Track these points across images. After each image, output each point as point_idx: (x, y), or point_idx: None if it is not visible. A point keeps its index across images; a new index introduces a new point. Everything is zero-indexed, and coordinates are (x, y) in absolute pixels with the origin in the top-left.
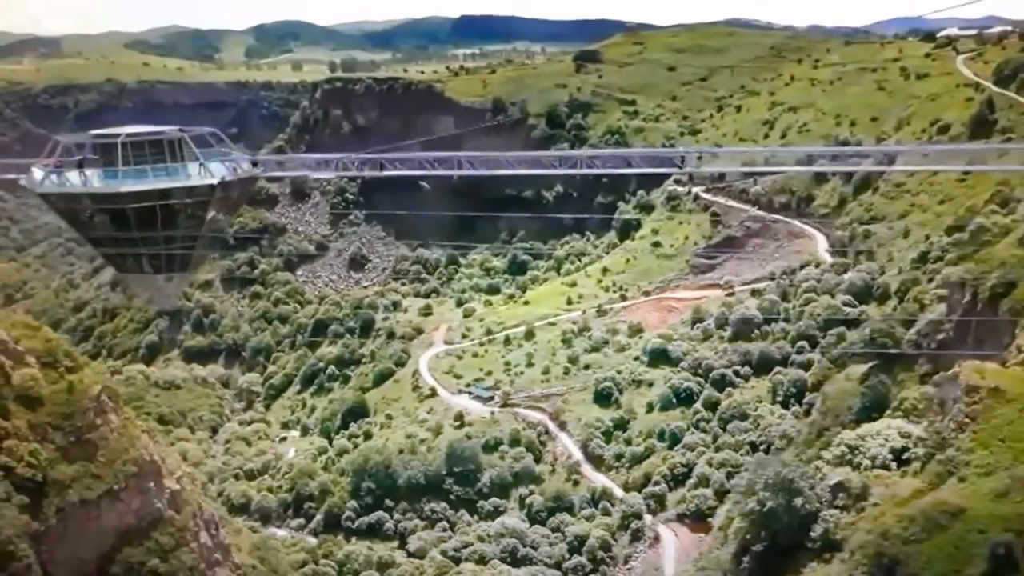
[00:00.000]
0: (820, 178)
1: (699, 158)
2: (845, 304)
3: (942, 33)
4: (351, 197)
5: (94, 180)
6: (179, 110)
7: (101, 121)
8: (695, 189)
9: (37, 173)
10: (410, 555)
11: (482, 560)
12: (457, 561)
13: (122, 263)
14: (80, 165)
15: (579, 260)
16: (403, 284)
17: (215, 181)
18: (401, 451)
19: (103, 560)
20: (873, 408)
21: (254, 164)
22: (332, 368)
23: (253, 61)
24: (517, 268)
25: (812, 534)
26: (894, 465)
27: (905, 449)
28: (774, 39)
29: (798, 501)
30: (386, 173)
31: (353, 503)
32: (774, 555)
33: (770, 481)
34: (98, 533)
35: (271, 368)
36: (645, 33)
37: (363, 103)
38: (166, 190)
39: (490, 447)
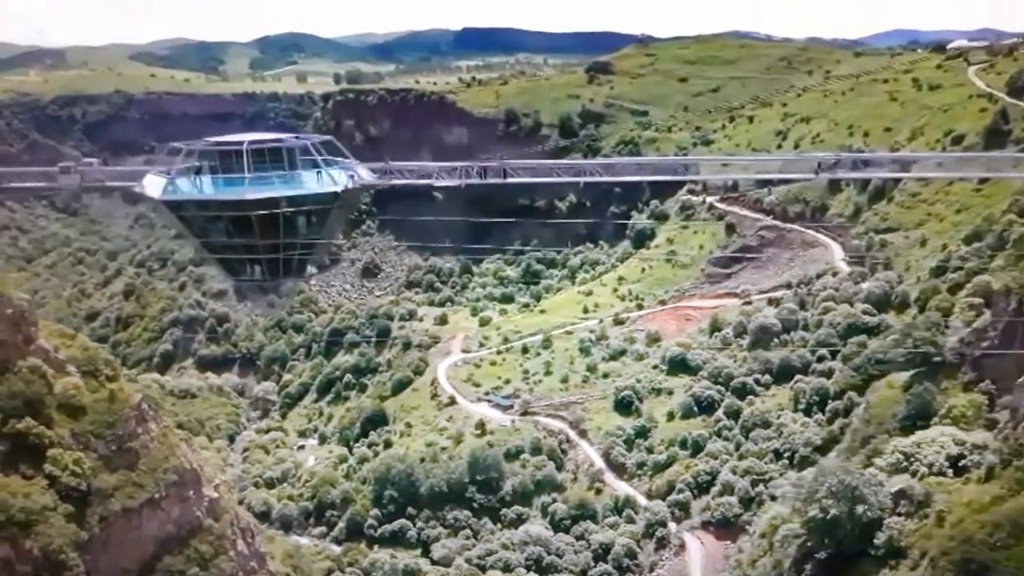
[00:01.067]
0: (834, 187)
1: (836, 163)
2: (864, 313)
3: (952, 45)
4: (364, 207)
5: (208, 186)
6: (187, 121)
7: (110, 133)
8: (709, 199)
9: (156, 180)
10: (434, 563)
11: (507, 568)
12: (483, 569)
13: (235, 269)
14: (197, 172)
15: (593, 269)
16: (417, 293)
17: (339, 189)
18: (423, 459)
19: (144, 569)
20: (918, 416)
21: (387, 172)
22: (349, 377)
23: (258, 73)
24: (531, 277)
25: (876, 541)
26: (950, 472)
27: (961, 456)
28: (784, 51)
29: (859, 508)
30: (511, 180)
31: (375, 511)
32: (837, 563)
33: (833, 489)
34: (139, 542)
35: (287, 377)
36: (656, 45)
37: (375, 114)
38: (290, 197)
39: (511, 455)
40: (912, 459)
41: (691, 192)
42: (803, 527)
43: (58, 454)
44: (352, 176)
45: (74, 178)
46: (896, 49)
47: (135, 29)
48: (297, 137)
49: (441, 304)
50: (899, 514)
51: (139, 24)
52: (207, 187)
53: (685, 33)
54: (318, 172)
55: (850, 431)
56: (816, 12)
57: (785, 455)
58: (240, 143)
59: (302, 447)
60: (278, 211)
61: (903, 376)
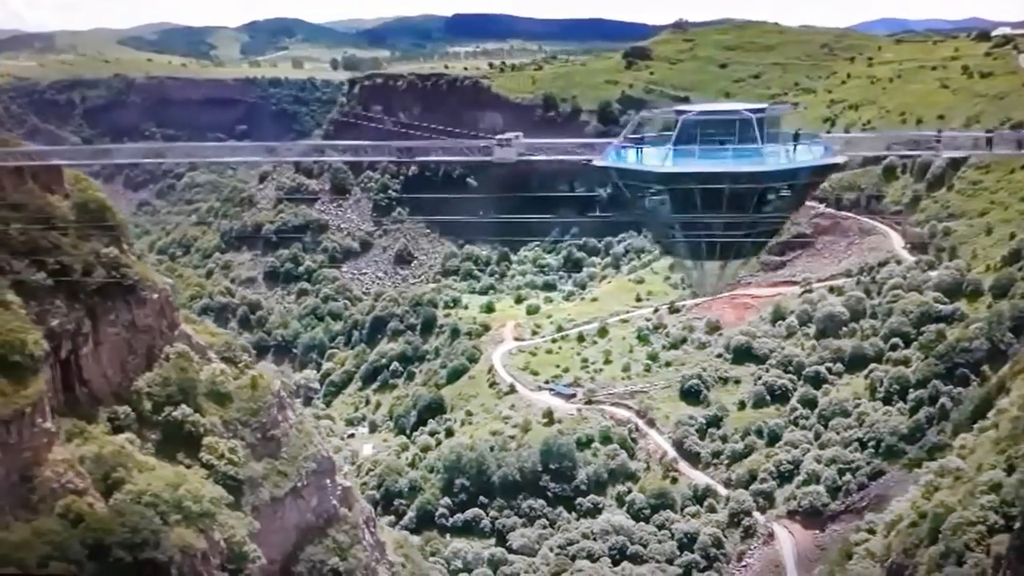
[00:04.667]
0: (889, 175)
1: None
2: (936, 301)
3: (996, 32)
4: (394, 193)
5: (665, 159)
6: (189, 106)
7: (110, 117)
8: None
9: (634, 151)
10: (511, 552)
11: (590, 557)
12: (570, 559)
13: (695, 250)
14: (685, 142)
15: (638, 257)
16: (454, 280)
17: (831, 161)
18: (492, 448)
19: (288, 559)
20: None
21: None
22: (396, 365)
23: (251, 58)
24: (572, 265)
25: None
26: None
27: None
28: (825, 37)
29: None
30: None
31: (446, 500)
32: None
33: None
34: (283, 532)
35: (328, 365)
36: (694, 30)
37: (405, 99)
38: (789, 171)
39: (582, 444)
40: None
41: None
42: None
43: (213, 442)
44: (827, 150)
45: (510, 151)
46: (929, 37)
47: (116, 13)
48: (760, 109)
49: (483, 292)
50: None
51: (118, 8)
52: (707, 159)
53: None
54: (788, 145)
55: (1008, 419)
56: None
57: (870, 444)
58: (735, 112)
59: (352, 435)
60: (774, 185)
61: None
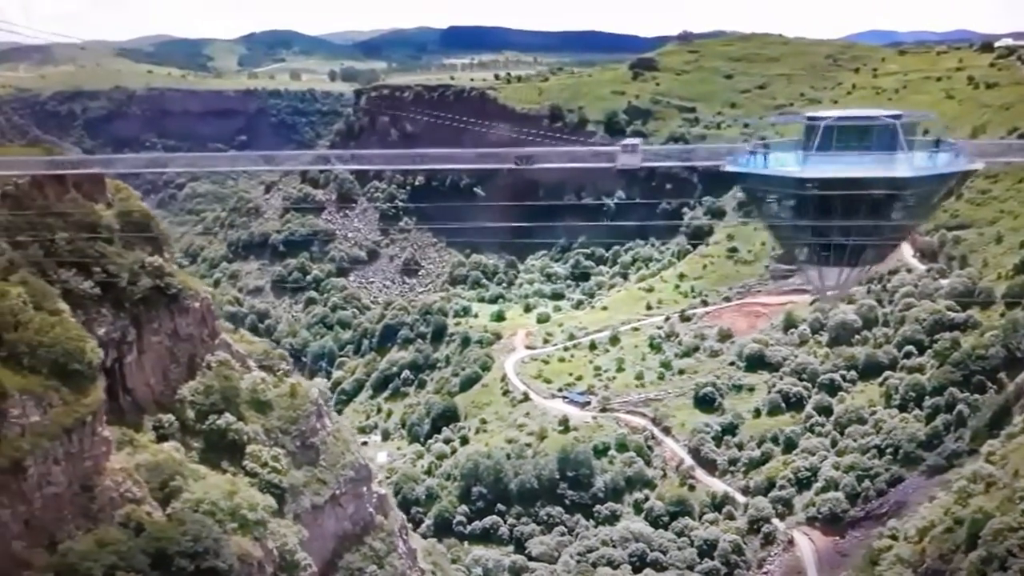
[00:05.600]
0: None
1: None
2: (949, 309)
3: (999, 43)
4: (401, 203)
5: (803, 164)
6: (189, 117)
7: (110, 128)
8: None
9: (765, 156)
10: (531, 559)
11: (611, 564)
12: (591, 566)
13: (810, 251)
14: (819, 147)
15: (646, 266)
16: (463, 289)
17: (976, 167)
18: (508, 456)
19: (326, 567)
20: None
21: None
22: (407, 373)
23: (248, 70)
24: (580, 274)
25: None
26: None
27: None
28: (829, 48)
29: None
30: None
31: (463, 507)
32: None
33: None
34: (322, 539)
35: (339, 373)
36: (700, 42)
37: (411, 110)
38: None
39: (599, 452)
40: None
41: None
42: None
43: (257, 450)
44: (959, 155)
45: (635, 157)
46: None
47: (113, 26)
48: (897, 115)
49: (492, 301)
50: None
51: (117, 20)
52: (848, 164)
53: (669, 33)
54: (930, 151)
55: None
56: (796, 12)
57: (888, 451)
58: (874, 117)
59: (365, 443)
60: (906, 192)
61: None
